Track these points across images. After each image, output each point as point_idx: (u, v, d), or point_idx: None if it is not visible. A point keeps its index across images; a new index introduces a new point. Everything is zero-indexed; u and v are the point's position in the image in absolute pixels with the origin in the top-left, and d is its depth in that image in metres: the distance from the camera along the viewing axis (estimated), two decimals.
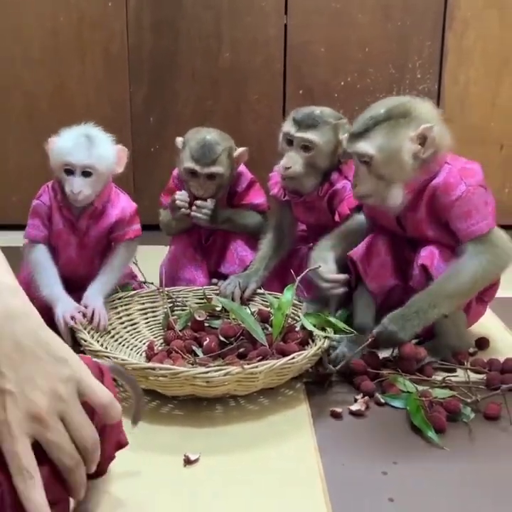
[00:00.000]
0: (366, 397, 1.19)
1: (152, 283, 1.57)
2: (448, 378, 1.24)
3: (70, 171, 1.32)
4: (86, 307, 1.32)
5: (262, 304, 1.48)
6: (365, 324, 1.33)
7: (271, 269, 1.54)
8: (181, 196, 1.55)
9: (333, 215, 1.47)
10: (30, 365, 0.75)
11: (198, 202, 1.55)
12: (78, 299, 1.34)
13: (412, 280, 1.31)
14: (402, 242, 1.37)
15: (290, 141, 1.43)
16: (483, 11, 2.10)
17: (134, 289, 1.49)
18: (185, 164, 1.54)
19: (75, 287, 1.38)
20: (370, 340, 1.24)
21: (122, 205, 1.39)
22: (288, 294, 1.31)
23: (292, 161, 1.42)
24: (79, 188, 1.30)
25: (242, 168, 1.63)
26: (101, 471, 0.88)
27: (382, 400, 1.19)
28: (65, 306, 1.29)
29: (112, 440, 0.89)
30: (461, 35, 2.12)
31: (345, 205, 1.44)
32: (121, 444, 0.93)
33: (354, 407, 1.17)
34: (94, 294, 1.34)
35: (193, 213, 1.55)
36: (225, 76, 2.15)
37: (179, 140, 1.58)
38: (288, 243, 1.58)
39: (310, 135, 1.40)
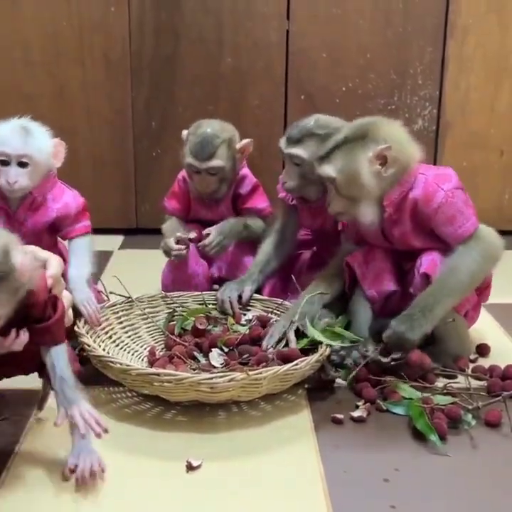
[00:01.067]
0: (368, 404, 1.20)
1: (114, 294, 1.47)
2: (449, 385, 1.24)
3: (5, 162, 1.28)
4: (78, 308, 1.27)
5: (261, 310, 1.48)
6: (362, 333, 1.34)
7: (268, 274, 1.54)
8: (177, 253, 1.53)
9: (337, 223, 1.46)
10: None
11: (200, 244, 1.55)
12: None
13: (413, 287, 1.31)
14: (397, 251, 1.38)
15: (284, 157, 1.47)
16: (483, 17, 2.10)
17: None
18: (186, 160, 1.56)
19: None
20: (380, 347, 1.25)
21: (66, 200, 1.33)
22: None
23: (287, 175, 1.45)
24: (14, 178, 1.26)
25: (246, 171, 1.63)
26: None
27: (384, 407, 1.19)
28: None
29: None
30: (462, 42, 2.12)
31: None
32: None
33: (356, 414, 1.17)
34: (77, 286, 1.28)
35: (211, 252, 1.56)
36: (226, 81, 2.15)
37: (184, 133, 1.61)
38: (288, 248, 1.58)
39: (295, 150, 1.42)
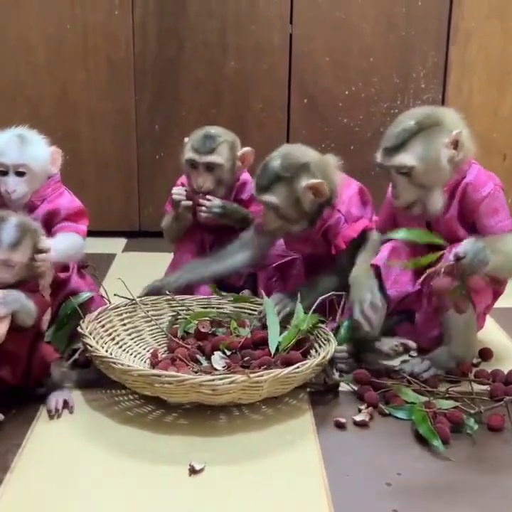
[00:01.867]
0: (370, 408, 1.20)
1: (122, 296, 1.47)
2: (451, 389, 1.24)
3: (3, 172, 1.33)
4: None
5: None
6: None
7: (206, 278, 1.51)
8: (177, 190, 1.55)
9: (329, 247, 1.45)
10: None
11: (202, 201, 1.54)
12: None
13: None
14: (422, 249, 1.38)
15: None
16: (486, 21, 2.11)
17: (91, 299, 1.42)
18: (185, 156, 1.56)
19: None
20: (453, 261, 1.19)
21: (60, 201, 1.38)
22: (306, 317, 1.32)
23: (266, 218, 1.41)
24: (13, 186, 1.32)
25: (246, 176, 1.63)
26: None
27: (386, 411, 1.19)
28: None
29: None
30: (465, 46, 2.13)
31: (341, 239, 1.43)
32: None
33: (358, 418, 1.17)
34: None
35: (203, 212, 1.54)
36: (229, 84, 2.15)
37: (187, 139, 1.61)
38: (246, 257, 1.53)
39: (265, 198, 1.38)
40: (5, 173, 1.33)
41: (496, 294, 1.40)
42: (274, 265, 1.59)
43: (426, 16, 2.10)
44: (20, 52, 2.10)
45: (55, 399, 1.19)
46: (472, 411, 1.16)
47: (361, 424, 1.17)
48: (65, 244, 1.32)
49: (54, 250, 1.22)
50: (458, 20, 2.10)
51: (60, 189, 1.40)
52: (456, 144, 1.28)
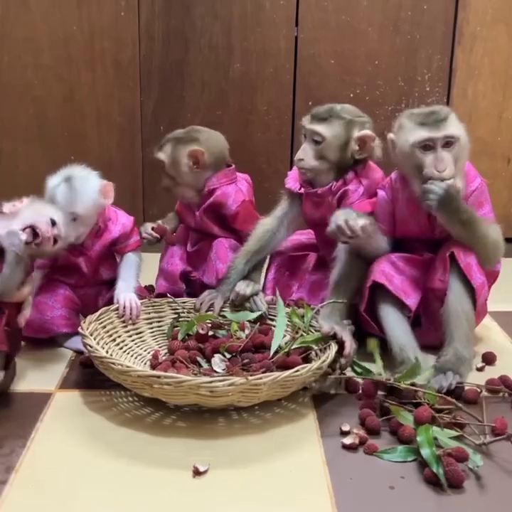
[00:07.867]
0: (361, 431, 1.13)
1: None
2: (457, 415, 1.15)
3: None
4: (118, 302, 1.43)
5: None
6: (409, 342, 1.35)
7: (256, 261, 1.55)
8: (148, 236, 1.58)
9: None
10: None
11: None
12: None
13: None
14: (421, 248, 1.43)
15: (305, 134, 1.48)
16: (491, 25, 2.11)
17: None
18: None
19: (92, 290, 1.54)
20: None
21: (122, 221, 1.51)
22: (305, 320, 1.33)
23: (304, 152, 1.46)
24: (66, 233, 1.38)
25: (231, 188, 1.59)
26: None
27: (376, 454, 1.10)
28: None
29: None
30: (470, 50, 2.13)
31: (354, 208, 1.43)
32: None
33: (347, 441, 1.11)
34: (123, 289, 1.45)
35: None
36: (234, 86, 2.16)
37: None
38: (284, 234, 1.58)
39: (318, 128, 1.43)
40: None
41: (491, 277, 1.41)
42: (282, 260, 1.61)
43: (431, 19, 2.10)
44: (27, 53, 2.11)
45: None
46: (477, 441, 1.10)
47: (350, 448, 1.10)
48: (134, 280, 1.49)
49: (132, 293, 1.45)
50: (463, 24, 2.11)
51: (111, 208, 1.51)
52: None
